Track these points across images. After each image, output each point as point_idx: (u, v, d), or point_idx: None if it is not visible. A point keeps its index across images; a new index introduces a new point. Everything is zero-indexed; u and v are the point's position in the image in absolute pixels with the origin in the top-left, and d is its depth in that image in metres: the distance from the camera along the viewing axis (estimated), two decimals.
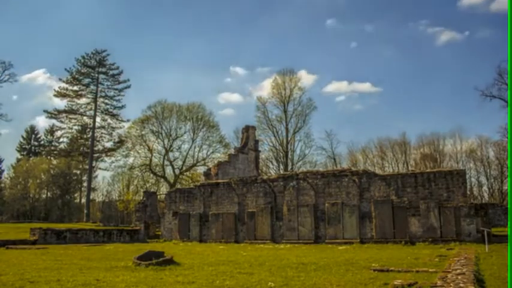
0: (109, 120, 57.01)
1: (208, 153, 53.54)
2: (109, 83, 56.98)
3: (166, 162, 53.65)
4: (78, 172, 63.89)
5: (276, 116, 54.51)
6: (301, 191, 24.39)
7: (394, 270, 9.51)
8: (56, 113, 55.89)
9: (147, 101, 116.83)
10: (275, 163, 55.65)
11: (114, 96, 56.99)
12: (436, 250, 16.24)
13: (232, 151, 40.34)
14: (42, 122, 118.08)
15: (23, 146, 69.65)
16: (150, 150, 52.92)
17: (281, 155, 54.53)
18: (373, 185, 22.82)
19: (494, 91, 43.22)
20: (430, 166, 50.98)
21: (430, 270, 9.40)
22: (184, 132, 53.67)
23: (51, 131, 67.58)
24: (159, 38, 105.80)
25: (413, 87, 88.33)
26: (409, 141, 57.19)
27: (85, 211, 52.71)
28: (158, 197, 37.02)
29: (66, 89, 55.69)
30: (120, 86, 57.14)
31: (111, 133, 57.19)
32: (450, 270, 8.71)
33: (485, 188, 52.99)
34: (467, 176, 24.43)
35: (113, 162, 56.63)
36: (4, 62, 47.89)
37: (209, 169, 35.77)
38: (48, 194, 60.57)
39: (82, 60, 56.33)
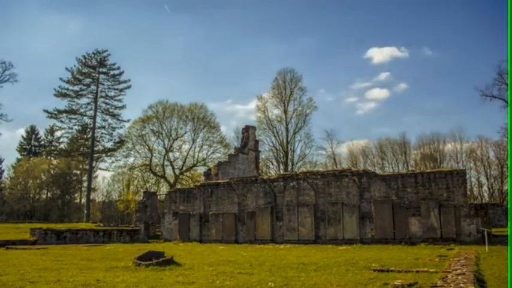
0: (109, 120, 57.14)
1: (209, 153, 53.58)
2: (109, 83, 57.10)
3: (166, 163, 53.69)
4: (78, 172, 63.87)
5: (276, 116, 54.54)
6: (301, 191, 24.39)
7: (394, 271, 9.51)
8: (56, 113, 55.93)
9: (148, 101, 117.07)
10: (275, 163, 55.63)
11: (115, 96, 57.14)
12: (436, 250, 16.24)
13: (232, 151, 40.33)
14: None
15: (23, 146, 69.68)
16: (151, 150, 52.93)
17: (281, 155, 54.50)
18: (373, 185, 22.81)
19: (494, 91, 43.23)
20: (430, 166, 50.96)
21: (430, 270, 9.40)
22: (185, 133, 53.73)
23: (51, 131, 67.62)
24: (160, 38, 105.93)
25: (413, 87, 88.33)
26: (409, 141, 57.31)
27: (85, 211, 52.71)
28: (158, 197, 37.00)
29: (67, 89, 55.80)
30: (120, 86, 57.28)
31: (112, 133, 57.29)
32: (450, 270, 8.71)
33: (485, 188, 52.97)
34: (467, 176, 24.38)
35: (113, 162, 56.73)
36: (4, 62, 47.93)
37: (209, 169, 35.77)
38: (48, 194, 60.55)
39: (83, 60, 56.41)
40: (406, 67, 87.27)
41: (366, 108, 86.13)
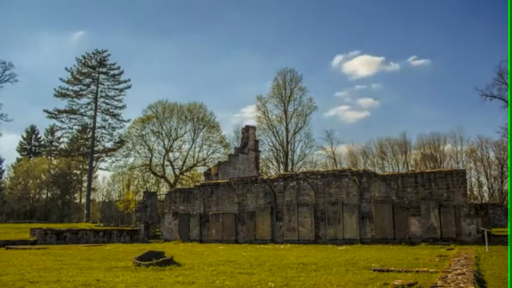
0: (109, 120, 57.19)
1: (209, 153, 53.55)
2: (109, 83, 57.15)
3: (166, 163, 53.64)
4: (78, 172, 63.91)
5: (276, 116, 54.52)
6: (301, 191, 24.40)
7: (394, 270, 9.50)
8: (56, 113, 55.95)
9: (148, 101, 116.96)
10: (275, 163, 55.63)
11: (115, 96, 57.17)
12: (436, 250, 16.24)
13: (232, 151, 40.33)
14: None
15: (23, 146, 69.69)
16: (151, 150, 52.91)
17: (281, 155, 54.50)
18: (373, 185, 22.82)
19: (494, 91, 43.22)
20: (430, 166, 50.97)
21: (430, 270, 9.40)
22: (185, 133, 53.69)
23: (51, 131, 67.64)
24: (160, 38, 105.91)
25: (413, 88, 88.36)
26: (409, 141, 57.35)
27: (85, 211, 52.73)
28: (158, 197, 37.01)
29: (67, 89, 55.82)
30: (120, 86, 57.32)
31: (112, 133, 57.34)
32: (450, 270, 8.71)
33: (485, 188, 53.00)
34: (467, 176, 24.38)
35: (113, 162, 56.66)
36: (4, 62, 47.96)
37: (209, 169, 35.78)
38: (48, 194, 60.58)
39: (83, 60, 56.42)
40: (398, 77, 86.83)
41: (357, 117, 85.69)
